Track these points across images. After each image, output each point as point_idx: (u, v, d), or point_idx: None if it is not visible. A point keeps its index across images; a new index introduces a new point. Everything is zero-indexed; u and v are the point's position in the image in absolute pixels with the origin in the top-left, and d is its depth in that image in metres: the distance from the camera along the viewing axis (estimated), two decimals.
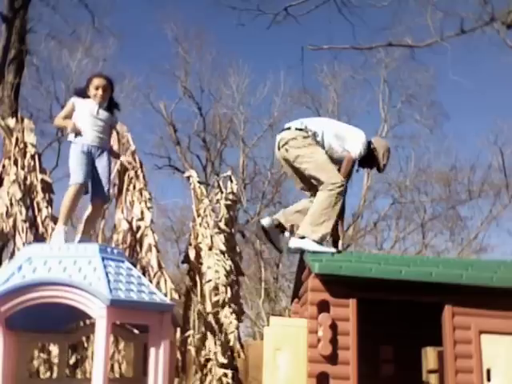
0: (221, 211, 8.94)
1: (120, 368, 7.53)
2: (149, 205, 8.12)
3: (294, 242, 4.55)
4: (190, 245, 8.83)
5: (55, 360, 7.05)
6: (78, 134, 4.80)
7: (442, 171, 22.90)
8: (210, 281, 8.16)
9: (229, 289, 8.20)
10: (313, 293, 4.03)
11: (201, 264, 8.55)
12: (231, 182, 9.21)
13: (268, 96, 23.74)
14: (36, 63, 18.79)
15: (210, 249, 8.38)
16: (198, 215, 8.74)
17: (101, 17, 17.95)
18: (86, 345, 7.50)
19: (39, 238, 7.57)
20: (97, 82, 4.94)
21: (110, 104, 5.05)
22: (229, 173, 9.52)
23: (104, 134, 4.95)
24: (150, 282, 6.75)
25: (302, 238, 4.52)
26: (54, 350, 7.09)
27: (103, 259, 4.23)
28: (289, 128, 4.84)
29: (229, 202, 8.98)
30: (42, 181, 8.00)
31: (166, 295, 6.86)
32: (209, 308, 8.05)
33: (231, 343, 7.98)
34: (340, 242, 4.90)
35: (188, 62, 23.77)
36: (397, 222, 22.89)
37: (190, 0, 30.10)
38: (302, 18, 14.78)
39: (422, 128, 22.96)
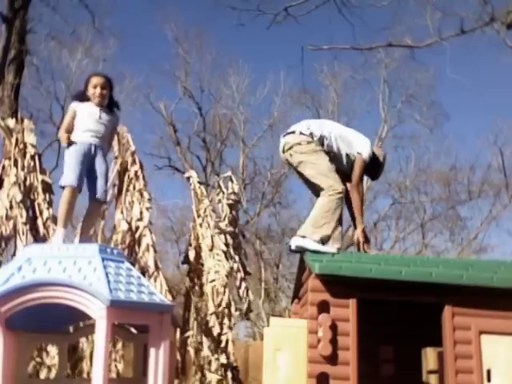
0: (224, 211, 8.96)
1: (117, 367, 7.52)
2: (147, 205, 8.12)
3: (296, 241, 4.57)
4: (190, 245, 8.83)
5: (53, 361, 7.05)
6: (70, 144, 4.80)
7: (441, 171, 22.91)
8: (213, 281, 8.16)
9: (227, 290, 8.20)
10: (313, 293, 4.04)
11: (201, 265, 8.55)
12: (232, 182, 9.22)
13: (268, 96, 23.80)
14: (36, 63, 18.83)
15: (211, 249, 8.38)
16: (198, 215, 8.74)
17: (101, 17, 17.99)
18: (85, 345, 7.50)
19: (40, 239, 7.56)
20: (95, 80, 4.92)
21: (109, 103, 5.03)
22: (229, 173, 9.53)
23: (105, 134, 4.93)
24: None
25: (303, 237, 4.53)
26: (53, 350, 7.09)
27: (103, 259, 4.23)
28: (293, 132, 4.85)
29: (231, 202, 9.00)
30: (43, 181, 7.99)
31: None
32: (211, 309, 8.05)
33: (222, 344, 7.98)
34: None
35: (188, 62, 23.81)
36: (397, 223, 22.92)
37: (190, 0, 30.14)
38: (302, 18, 14.76)
39: (421, 128, 23.00)
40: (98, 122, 4.86)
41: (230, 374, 8.01)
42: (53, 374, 6.99)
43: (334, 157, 4.85)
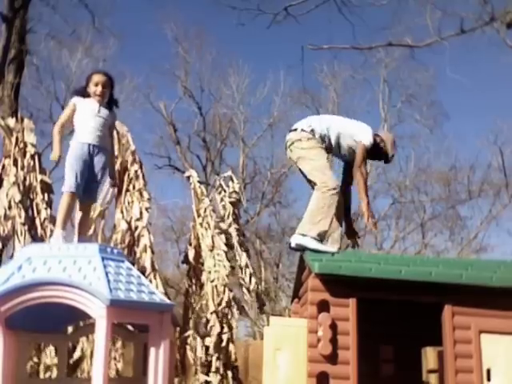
0: (227, 209, 8.97)
1: (116, 366, 7.52)
2: (147, 205, 8.11)
3: (295, 239, 4.59)
4: (190, 245, 8.84)
5: (53, 360, 7.05)
6: (62, 127, 4.85)
7: (441, 171, 22.90)
8: (213, 281, 8.16)
9: (227, 290, 8.21)
10: (313, 292, 4.04)
11: (201, 264, 8.56)
12: (232, 181, 9.23)
13: (268, 96, 23.76)
14: (36, 63, 18.81)
15: (211, 249, 8.38)
16: (198, 215, 8.74)
17: (101, 17, 17.96)
18: (85, 345, 7.50)
19: (38, 240, 7.55)
20: (96, 78, 4.94)
21: (109, 101, 5.05)
22: (229, 173, 9.54)
23: (105, 133, 4.96)
24: None
25: (303, 236, 4.56)
26: (52, 350, 7.09)
27: (103, 259, 4.23)
28: (296, 129, 4.96)
29: (233, 199, 9.02)
30: (42, 181, 7.99)
31: None
32: (212, 308, 8.05)
33: (223, 343, 7.98)
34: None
35: (188, 61, 23.80)
36: (397, 222, 22.90)
37: (190, 0, 30.12)
38: (301, 18, 14.75)
39: (421, 128, 22.98)
40: (97, 118, 4.88)
41: (230, 374, 8.02)
42: (53, 374, 6.99)
43: (335, 150, 4.98)
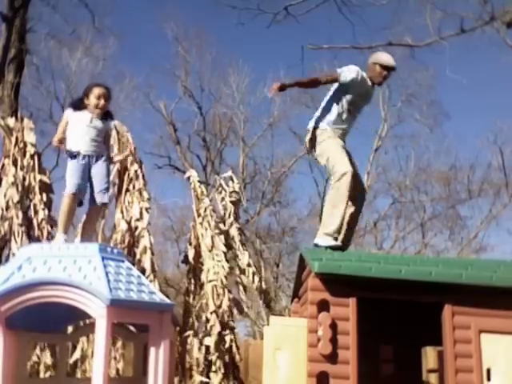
0: (227, 208, 8.97)
1: (116, 366, 7.51)
2: (147, 205, 8.11)
3: (316, 240, 4.78)
4: (190, 244, 8.83)
5: (52, 360, 7.05)
6: (61, 142, 4.89)
7: (441, 171, 22.91)
8: (211, 281, 8.16)
9: (227, 291, 8.21)
10: (313, 292, 4.04)
11: (201, 264, 8.55)
12: (232, 181, 9.23)
13: (268, 95, 23.74)
14: (36, 63, 18.78)
15: (211, 250, 8.38)
16: (199, 215, 8.74)
17: (101, 16, 17.97)
18: (85, 344, 7.50)
19: (35, 240, 7.53)
20: (98, 91, 4.99)
21: (104, 112, 5.10)
22: (229, 173, 9.54)
23: (99, 141, 5.00)
24: None
25: (321, 236, 4.75)
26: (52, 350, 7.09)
27: (103, 259, 4.23)
28: (308, 130, 5.10)
29: (233, 199, 9.03)
30: (40, 181, 7.98)
31: None
32: (211, 307, 8.05)
33: (227, 345, 7.98)
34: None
35: (188, 61, 23.79)
36: (397, 222, 22.91)
37: (190, 0, 30.12)
38: (301, 18, 14.79)
39: (421, 127, 22.97)
40: (89, 128, 4.94)
41: (231, 373, 8.02)
42: (53, 374, 6.98)
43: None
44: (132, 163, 8.29)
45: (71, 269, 4.13)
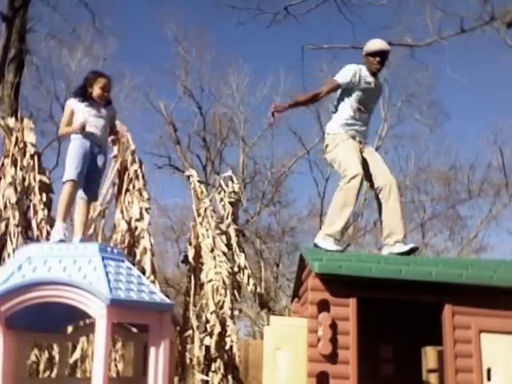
0: (226, 209, 8.97)
1: (116, 367, 7.51)
2: (147, 205, 8.11)
3: (315, 240, 4.78)
4: (190, 244, 8.84)
5: (52, 360, 7.05)
6: (84, 129, 4.83)
7: (441, 170, 22.92)
8: (211, 280, 8.16)
9: (228, 292, 8.21)
10: (313, 292, 4.03)
11: (201, 264, 8.56)
12: (232, 181, 9.23)
13: (268, 95, 23.75)
14: (36, 62, 18.82)
15: (212, 250, 8.38)
16: (199, 214, 8.75)
17: (101, 16, 17.99)
18: (85, 344, 7.50)
19: (33, 241, 7.51)
20: (103, 81, 4.96)
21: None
22: (229, 173, 9.54)
23: (104, 131, 4.97)
24: None
25: (321, 236, 4.74)
26: (52, 350, 7.09)
27: (103, 259, 4.23)
28: (325, 136, 5.15)
29: (232, 200, 9.03)
30: (40, 181, 7.97)
31: None
32: (212, 307, 8.05)
33: (227, 346, 7.98)
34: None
35: (188, 61, 23.81)
36: None
37: (190, 0, 30.11)
38: (301, 18, 14.81)
39: (421, 127, 22.99)
40: (95, 117, 4.90)
41: (230, 374, 8.02)
42: (53, 374, 6.99)
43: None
44: (132, 163, 8.29)
45: (71, 269, 4.13)
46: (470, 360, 3.98)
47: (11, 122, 8.29)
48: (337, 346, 3.93)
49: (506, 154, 22.19)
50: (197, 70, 24.02)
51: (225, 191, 9.11)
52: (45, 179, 8.05)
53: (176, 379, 7.55)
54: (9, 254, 7.33)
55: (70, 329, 5.75)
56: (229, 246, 8.76)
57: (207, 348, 8.02)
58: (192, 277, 8.71)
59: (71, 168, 4.75)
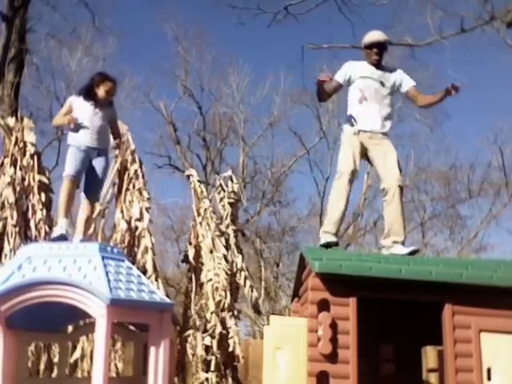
0: (225, 210, 8.97)
1: (116, 367, 7.51)
2: (147, 205, 8.11)
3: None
4: (190, 244, 8.83)
5: (52, 360, 7.04)
6: (76, 127, 4.83)
7: (441, 170, 22.90)
8: (210, 280, 8.15)
9: (229, 294, 8.21)
10: (313, 292, 4.03)
11: (201, 263, 8.55)
12: (232, 181, 9.23)
13: (268, 95, 23.75)
14: (36, 62, 18.79)
15: (211, 251, 8.38)
16: (198, 214, 8.74)
17: (101, 16, 17.95)
18: (85, 344, 7.49)
19: (31, 241, 7.51)
20: (110, 85, 5.00)
21: None
22: (229, 172, 9.53)
23: (103, 133, 4.98)
24: None
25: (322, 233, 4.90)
26: (52, 349, 7.08)
27: (103, 258, 4.23)
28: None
29: (232, 200, 9.02)
30: (39, 181, 7.96)
31: None
32: (212, 307, 8.05)
33: (230, 348, 7.98)
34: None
35: (188, 61, 23.78)
36: None
37: (190, 0, 30.11)
38: (302, 17, 14.78)
39: (421, 127, 22.93)
40: (94, 118, 4.91)
41: (229, 373, 8.02)
42: (53, 373, 6.98)
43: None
44: (132, 163, 8.29)
45: (71, 268, 4.13)
46: (470, 360, 3.98)
47: (11, 121, 8.28)
48: (337, 345, 3.93)
49: (505, 153, 22.21)
50: (197, 70, 24.03)
51: (224, 191, 9.10)
52: (44, 179, 8.04)
53: (176, 379, 7.55)
54: (6, 255, 7.32)
55: (70, 328, 5.75)
56: (227, 246, 8.76)
57: (207, 348, 8.02)
58: (192, 276, 8.71)
59: (69, 164, 4.82)
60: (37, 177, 7.96)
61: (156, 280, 7.64)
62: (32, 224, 7.74)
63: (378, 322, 4.98)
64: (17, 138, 8.07)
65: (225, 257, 8.42)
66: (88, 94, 4.95)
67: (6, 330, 4.01)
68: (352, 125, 5.03)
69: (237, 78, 23.51)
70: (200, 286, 8.54)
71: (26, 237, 7.68)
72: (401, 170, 4.94)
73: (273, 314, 15.67)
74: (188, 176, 9.17)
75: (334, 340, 3.92)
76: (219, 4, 21.01)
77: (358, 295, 4.01)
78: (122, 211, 8.12)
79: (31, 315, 4.18)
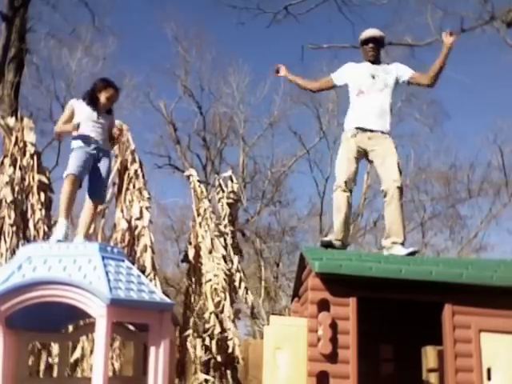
0: (223, 210, 8.96)
1: (113, 366, 7.50)
2: (147, 204, 8.11)
3: None
4: (190, 244, 8.83)
5: (52, 360, 7.04)
6: (79, 131, 4.84)
7: (441, 170, 22.91)
8: (209, 280, 8.15)
9: (228, 295, 8.21)
10: (313, 292, 4.03)
11: (200, 263, 8.55)
12: (231, 181, 9.22)
13: (268, 95, 23.78)
14: (36, 62, 18.79)
15: (210, 252, 8.38)
16: (198, 214, 8.74)
17: (101, 16, 17.99)
18: (85, 344, 7.49)
19: (29, 241, 7.50)
20: (111, 92, 5.03)
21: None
22: (229, 172, 9.53)
23: (104, 135, 5.00)
24: None
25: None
26: (52, 349, 7.08)
27: (103, 258, 4.23)
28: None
29: (231, 201, 9.01)
30: (39, 181, 7.96)
31: None
32: (211, 308, 8.05)
33: (230, 349, 7.98)
34: None
35: (188, 61, 23.79)
36: None
37: (190, 0, 30.11)
38: (302, 17, 14.82)
39: (421, 127, 22.96)
40: (96, 122, 4.93)
41: (229, 373, 8.02)
42: (53, 373, 6.98)
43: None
44: (132, 163, 8.29)
45: (71, 268, 4.13)
46: (470, 359, 3.98)
47: (11, 121, 8.29)
48: (337, 345, 3.93)
49: (505, 153, 22.19)
50: (197, 70, 24.04)
51: (223, 191, 9.10)
52: (44, 179, 8.04)
53: (176, 379, 7.55)
54: (2, 254, 7.32)
55: (70, 328, 5.75)
56: (226, 247, 8.76)
57: (206, 348, 8.02)
58: (192, 276, 8.71)
59: (72, 164, 4.79)
60: (36, 177, 7.96)
61: (154, 278, 7.64)
62: (31, 224, 7.74)
63: (378, 322, 4.98)
64: (17, 138, 8.07)
65: (224, 257, 8.42)
66: (91, 99, 4.97)
67: (6, 329, 4.01)
68: (351, 123, 5.03)
69: (237, 77, 23.54)
70: (200, 285, 8.54)
71: (24, 236, 7.67)
72: (401, 172, 4.91)
73: (273, 314, 15.68)
74: (188, 176, 9.17)
75: (334, 340, 3.92)
76: (219, 4, 21.08)
77: (358, 295, 4.01)
78: (122, 211, 8.12)
79: (31, 315, 4.18)
